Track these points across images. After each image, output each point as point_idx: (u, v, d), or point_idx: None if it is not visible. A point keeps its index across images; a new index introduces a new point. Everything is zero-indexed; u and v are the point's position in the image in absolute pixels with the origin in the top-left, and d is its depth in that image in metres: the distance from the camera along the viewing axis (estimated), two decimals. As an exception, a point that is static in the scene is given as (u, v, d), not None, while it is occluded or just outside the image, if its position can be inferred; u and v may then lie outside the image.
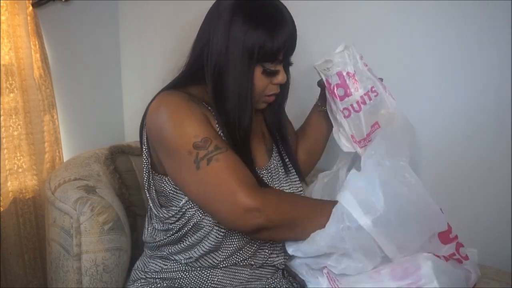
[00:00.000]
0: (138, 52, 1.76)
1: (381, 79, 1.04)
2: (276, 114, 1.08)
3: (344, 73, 0.98)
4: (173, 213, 0.95)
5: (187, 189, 0.90)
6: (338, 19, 1.41)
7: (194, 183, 0.86)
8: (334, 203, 0.87)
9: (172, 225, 0.96)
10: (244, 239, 0.95)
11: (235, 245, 0.95)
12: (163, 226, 0.98)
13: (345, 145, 1.03)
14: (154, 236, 1.01)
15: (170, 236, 0.96)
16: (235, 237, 0.94)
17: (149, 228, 1.03)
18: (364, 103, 0.99)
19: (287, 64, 1.00)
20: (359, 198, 0.83)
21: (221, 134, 0.93)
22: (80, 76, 1.63)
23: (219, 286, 0.97)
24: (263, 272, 1.00)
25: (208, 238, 0.93)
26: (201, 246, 0.94)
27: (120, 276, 1.11)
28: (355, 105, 0.99)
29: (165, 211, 0.96)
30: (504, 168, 1.23)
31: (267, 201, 0.84)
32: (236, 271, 0.98)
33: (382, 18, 1.34)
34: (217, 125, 0.94)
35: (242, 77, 0.91)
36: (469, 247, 0.95)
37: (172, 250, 0.98)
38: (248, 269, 0.98)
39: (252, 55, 0.90)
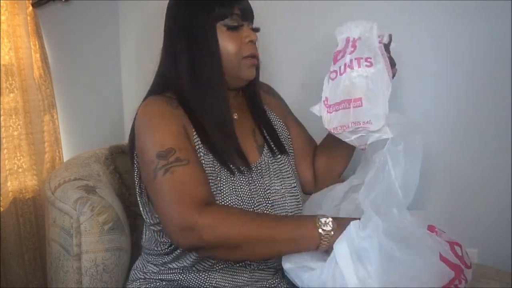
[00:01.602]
0: (138, 52, 1.76)
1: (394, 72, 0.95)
2: (251, 88, 1.08)
3: (351, 39, 0.93)
4: (158, 221, 0.97)
5: (150, 198, 0.94)
6: (339, 19, 1.41)
7: (151, 192, 0.88)
8: (295, 220, 0.84)
9: (164, 238, 0.98)
10: None
11: None
12: (155, 235, 1.00)
13: (315, 108, 0.95)
14: (151, 242, 1.02)
15: (163, 250, 0.98)
16: None
17: (147, 233, 1.04)
18: (352, 67, 0.90)
19: (256, 31, 1.02)
20: (354, 255, 0.77)
21: (196, 136, 0.94)
22: (80, 76, 1.63)
23: (218, 287, 0.97)
24: (262, 275, 1.00)
25: None
26: (190, 254, 0.95)
27: (120, 276, 1.11)
28: (342, 67, 0.91)
29: (151, 219, 0.99)
30: (504, 168, 1.23)
31: (204, 220, 0.80)
32: (234, 273, 0.97)
33: (383, 18, 1.34)
34: (193, 129, 0.94)
35: (201, 41, 0.96)
36: (469, 247, 0.95)
37: (166, 259, 0.99)
38: (248, 271, 0.98)
39: (207, 17, 0.95)
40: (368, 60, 0.90)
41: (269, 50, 1.47)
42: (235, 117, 1.03)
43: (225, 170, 0.93)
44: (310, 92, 1.50)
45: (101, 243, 1.05)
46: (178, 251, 0.96)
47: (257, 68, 1.06)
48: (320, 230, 0.79)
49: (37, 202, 1.43)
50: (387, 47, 0.94)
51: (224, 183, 0.93)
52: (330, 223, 0.80)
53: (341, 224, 0.80)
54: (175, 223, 0.81)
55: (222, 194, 0.92)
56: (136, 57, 1.77)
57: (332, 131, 0.90)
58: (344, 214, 0.93)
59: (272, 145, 1.05)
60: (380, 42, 0.92)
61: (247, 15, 1.00)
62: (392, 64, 0.94)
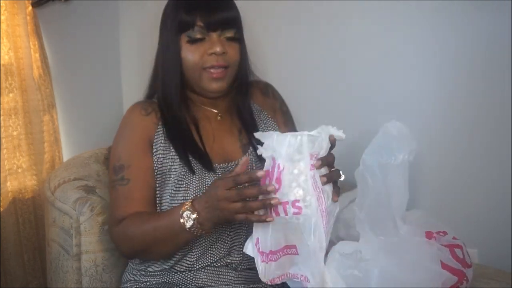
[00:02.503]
0: (138, 52, 1.76)
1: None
2: (242, 96, 1.09)
3: (276, 164, 0.75)
4: None
5: None
6: (337, 19, 1.41)
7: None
8: (169, 219, 0.88)
9: None
10: (211, 238, 0.96)
11: (203, 245, 0.96)
12: None
13: (248, 247, 0.84)
14: None
15: (139, 260, 1.01)
16: (202, 237, 0.95)
17: None
18: (278, 214, 0.75)
19: (234, 39, 1.00)
20: (351, 280, 0.77)
21: (163, 138, 1.00)
22: (80, 76, 1.63)
23: (206, 286, 0.97)
24: (250, 274, 0.99)
25: None
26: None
27: (120, 277, 1.10)
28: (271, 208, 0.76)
29: None
30: (504, 168, 1.23)
31: (114, 238, 0.97)
32: (220, 273, 0.98)
33: (382, 19, 1.34)
34: (162, 132, 1.00)
35: (167, 49, 1.00)
36: (469, 247, 0.95)
37: (145, 265, 1.00)
38: (233, 271, 0.98)
39: (172, 28, 0.99)
40: (296, 205, 0.73)
41: (267, 50, 1.47)
42: (218, 117, 1.07)
43: (187, 168, 0.98)
44: (309, 93, 1.51)
45: (100, 243, 1.05)
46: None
47: (243, 72, 1.06)
48: (187, 227, 0.85)
49: (36, 202, 1.43)
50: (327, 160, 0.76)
51: (190, 181, 0.96)
52: (190, 216, 0.84)
53: (199, 203, 0.84)
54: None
55: (188, 191, 0.96)
56: (136, 57, 1.77)
57: (270, 283, 0.81)
58: (342, 222, 0.93)
59: (256, 145, 1.06)
60: (313, 168, 0.74)
61: (215, 26, 0.98)
62: (335, 176, 0.78)
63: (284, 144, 0.74)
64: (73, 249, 1.04)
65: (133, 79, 1.79)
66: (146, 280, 1.00)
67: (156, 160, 0.99)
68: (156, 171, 0.99)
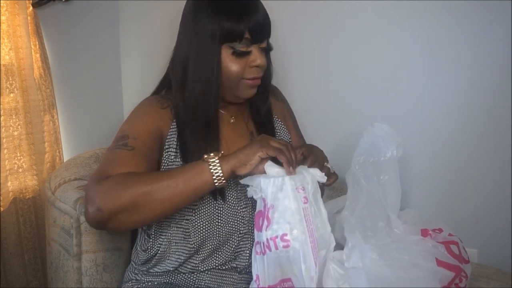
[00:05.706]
0: (138, 52, 1.77)
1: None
2: (264, 102, 1.08)
3: (266, 202, 0.82)
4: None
5: None
6: (334, 20, 1.41)
7: None
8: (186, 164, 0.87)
9: (143, 247, 1.00)
10: (218, 241, 0.95)
11: (209, 247, 0.95)
12: (141, 246, 1.01)
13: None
14: (136, 256, 1.04)
15: (142, 260, 1.00)
16: (208, 241, 0.95)
17: (135, 247, 1.06)
18: (269, 248, 0.81)
19: (266, 49, 0.99)
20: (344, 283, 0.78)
21: (173, 137, 0.96)
22: (80, 76, 1.63)
23: None
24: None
25: (171, 250, 0.97)
26: (169, 258, 0.97)
27: (120, 276, 1.11)
28: (264, 243, 0.82)
29: None
30: (504, 168, 1.24)
31: (98, 191, 0.83)
32: (224, 275, 0.98)
33: (381, 20, 1.34)
34: (174, 129, 0.97)
35: (205, 59, 0.93)
36: (469, 247, 0.95)
37: (148, 266, 1.00)
38: (237, 274, 0.98)
39: (214, 36, 0.92)
40: (284, 238, 0.79)
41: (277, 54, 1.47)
42: (231, 120, 1.06)
43: None
44: (316, 97, 1.51)
45: (101, 243, 1.05)
46: (156, 257, 0.98)
47: (268, 78, 1.06)
48: (205, 158, 0.83)
49: (37, 202, 1.43)
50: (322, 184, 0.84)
51: None
52: (217, 155, 0.84)
53: (228, 155, 0.84)
54: (85, 199, 0.86)
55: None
56: (137, 57, 1.77)
57: None
58: (339, 224, 0.94)
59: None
60: (306, 201, 0.81)
61: (259, 37, 0.95)
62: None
63: (269, 185, 0.81)
64: (74, 249, 1.04)
65: (134, 79, 1.79)
66: (148, 280, 1.00)
67: (167, 156, 0.97)
68: (164, 167, 0.97)
